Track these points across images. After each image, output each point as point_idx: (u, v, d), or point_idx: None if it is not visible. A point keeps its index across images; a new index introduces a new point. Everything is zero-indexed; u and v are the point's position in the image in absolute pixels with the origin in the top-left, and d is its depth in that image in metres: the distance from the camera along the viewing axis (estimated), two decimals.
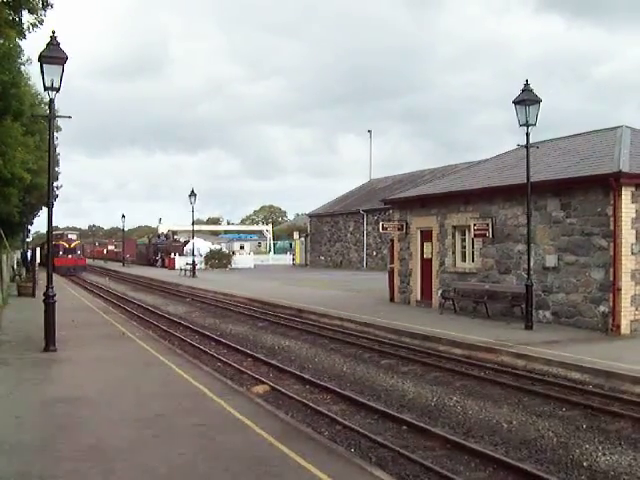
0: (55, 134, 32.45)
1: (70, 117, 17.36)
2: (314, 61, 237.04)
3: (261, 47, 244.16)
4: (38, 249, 55.67)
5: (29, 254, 49.17)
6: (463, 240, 23.50)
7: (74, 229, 75.27)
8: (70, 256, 60.33)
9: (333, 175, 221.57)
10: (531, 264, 18.64)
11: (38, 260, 47.83)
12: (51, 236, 16.54)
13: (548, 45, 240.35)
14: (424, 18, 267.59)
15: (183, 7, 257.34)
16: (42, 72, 14.67)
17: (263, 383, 13.14)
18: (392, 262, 27.65)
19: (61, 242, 60.20)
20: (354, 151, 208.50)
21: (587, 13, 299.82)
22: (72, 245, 61.58)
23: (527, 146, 18.33)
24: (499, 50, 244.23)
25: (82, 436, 8.51)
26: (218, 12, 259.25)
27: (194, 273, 49.89)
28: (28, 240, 60.51)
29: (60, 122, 34.47)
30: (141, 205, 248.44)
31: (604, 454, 8.83)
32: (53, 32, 14.77)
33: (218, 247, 69.65)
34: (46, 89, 14.91)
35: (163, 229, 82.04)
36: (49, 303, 15.13)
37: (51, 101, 15.20)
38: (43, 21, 17.10)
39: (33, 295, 29.82)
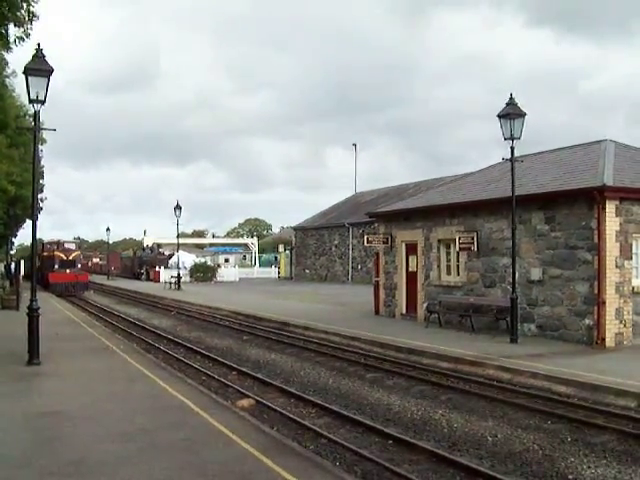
0: (40, 146, 32.42)
1: (55, 130, 17.33)
2: (303, 75, 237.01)
3: (250, 61, 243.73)
4: (22, 261, 52.06)
5: (13, 266, 48.66)
6: (448, 253, 23.57)
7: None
8: (68, 270, 48.99)
9: (320, 188, 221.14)
10: (516, 277, 18.71)
11: (22, 273, 46.14)
12: (35, 248, 16.44)
13: (538, 59, 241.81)
14: (413, 32, 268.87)
15: (173, 20, 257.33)
16: (27, 84, 14.62)
17: (248, 397, 13.09)
18: (377, 275, 27.68)
19: (56, 253, 50.23)
20: (341, 164, 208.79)
21: (577, 28, 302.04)
22: (71, 256, 50.42)
23: (512, 160, 18.42)
24: (488, 64, 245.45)
25: (65, 450, 8.44)
26: (209, 25, 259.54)
27: (179, 286, 49.74)
28: (12, 252, 59.15)
29: (46, 134, 34.41)
30: (127, 218, 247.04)
31: (589, 467, 8.84)
32: (38, 45, 14.73)
33: (203, 260, 69.58)
34: (31, 102, 14.86)
35: (148, 242, 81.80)
36: (33, 316, 15.02)
37: (36, 113, 15.14)
38: (30, 34, 17.14)
39: (17, 308, 29.56)
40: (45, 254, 51.09)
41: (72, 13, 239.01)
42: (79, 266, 51.75)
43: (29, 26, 17.04)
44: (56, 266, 49.24)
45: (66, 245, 52.67)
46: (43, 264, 50.03)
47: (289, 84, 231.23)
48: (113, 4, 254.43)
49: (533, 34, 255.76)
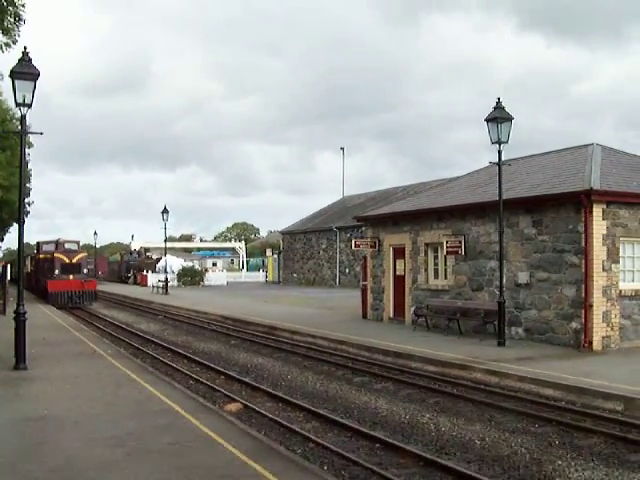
0: (27, 150, 32.29)
1: (42, 133, 17.30)
2: (293, 79, 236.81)
3: (241, 65, 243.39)
4: (9, 266, 48.38)
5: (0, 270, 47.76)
6: (436, 257, 23.60)
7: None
8: (72, 277, 38.93)
9: (309, 192, 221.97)
10: (504, 281, 18.74)
11: (9, 277, 44.01)
12: (22, 251, 16.32)
13: (528, 63, 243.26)
14: (404, 36, 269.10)
15: (165, 25, 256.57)
16: (14, 88, 14.56)
17: (236, 401, 13.05)
18: (365, 279, 27.68)
19: (56, 255, 39.93)
20: (331, 168, 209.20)
21: (568, 32, 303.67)
22: (75, 259, 40.00)
23: (499, 163, 18.47)
24: (478, 68, 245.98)
25: (51, 455, 8.37)
26: (200, 29, 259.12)
27: (166, 290, 49.55)
28: None
29: (35, 139, 34.35)
30: (116, 222, 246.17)
31: (576, 470, 8.85)
32: (25, 48, 14.67)
33: (190, 264, 69.35)
34: (18, 105, 14.80)
35: (135, 246, 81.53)
36: (20, 320, 14.92)
37: (23, 117, 15.07)
38: (17, 41, 17.13)
39: (3, 313, 29.36)
40: (41, 256, 42.70)
41: (62, 16, 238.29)
42: (85, 271, 40.83)
43: (16, 32, 17.02)
44: (56, 271, 39.28)
45: (67, 245, 42.11)
46: (39, 269, 43.36)
47: (279, 88, 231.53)
48: (104, 8, 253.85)
49: (524, 38, 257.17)
